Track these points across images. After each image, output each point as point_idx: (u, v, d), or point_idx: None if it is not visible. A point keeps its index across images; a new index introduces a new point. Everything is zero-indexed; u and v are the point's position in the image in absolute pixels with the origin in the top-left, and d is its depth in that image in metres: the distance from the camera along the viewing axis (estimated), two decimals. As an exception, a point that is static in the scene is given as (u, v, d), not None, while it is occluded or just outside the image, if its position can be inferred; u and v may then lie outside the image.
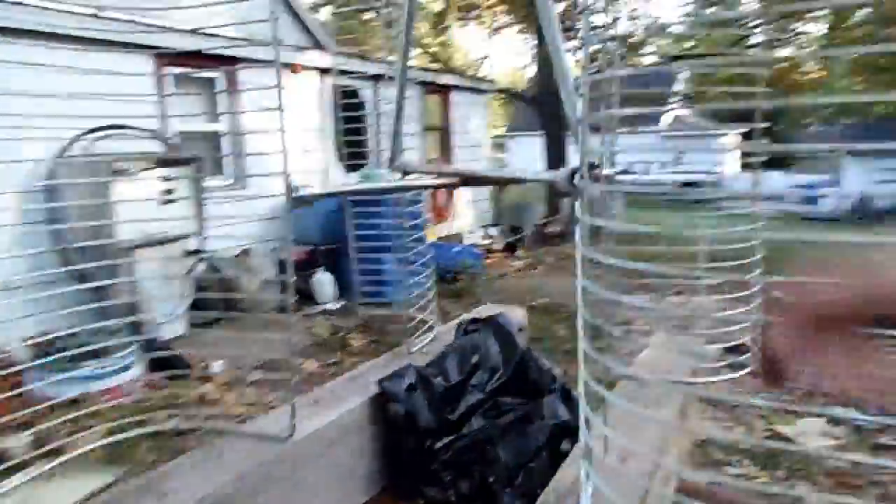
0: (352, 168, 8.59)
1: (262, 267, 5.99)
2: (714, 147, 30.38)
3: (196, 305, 5.26)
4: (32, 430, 2.43)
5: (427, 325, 2.69)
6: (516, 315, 3.37)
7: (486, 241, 9.23)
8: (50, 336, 2.66)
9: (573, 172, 1.20)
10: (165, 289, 4.96)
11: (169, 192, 5.08)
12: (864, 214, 13.02)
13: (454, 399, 2.42)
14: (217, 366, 4.49)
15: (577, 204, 1.13)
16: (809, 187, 14.07)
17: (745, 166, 30.41)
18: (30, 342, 3.47)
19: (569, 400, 2.45)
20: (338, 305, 6.22)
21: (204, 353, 4.58)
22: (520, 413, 2.35)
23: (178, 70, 6.17)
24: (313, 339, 5.29)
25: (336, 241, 6.74)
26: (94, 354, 3.43)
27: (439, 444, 2.33)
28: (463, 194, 9.46)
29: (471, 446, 2.31)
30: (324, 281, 6.26)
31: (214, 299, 5.43)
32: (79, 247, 3.51)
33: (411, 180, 2.42)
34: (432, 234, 7.68)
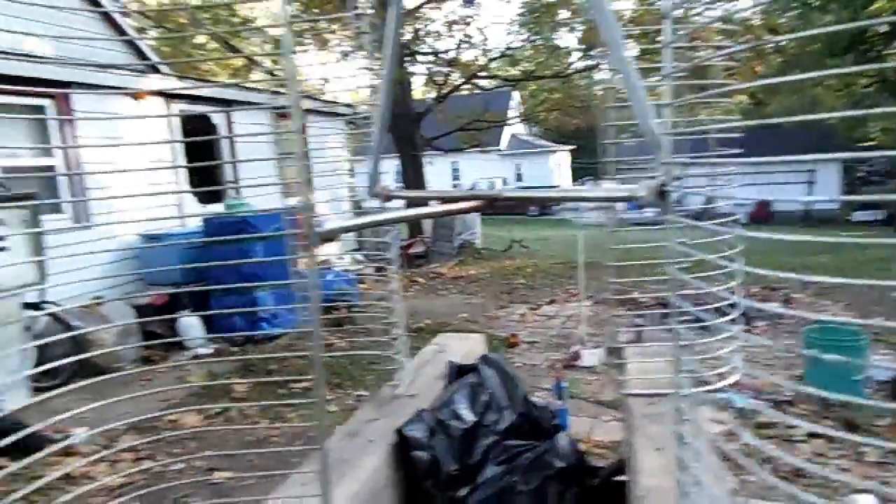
0: (209, 199, 7.98)
1: (116, 315, 5.32)
2: (548, 162, 32.73)
3: (42, 366, 4.52)
4: None
5: (395, 365, 2.48)
6: (478, 343, 3.29)
7: (357, 267, 9.04)
8: None
9: (662, 185, 1.20)
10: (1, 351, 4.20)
11: (-2, 238, 4.33)
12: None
13: (471, 443, 2.28)
14: (78, 435, 3.87)
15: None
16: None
17: (576, 179, 33.13)
18: None
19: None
20: (210, 349, 5.71)
21: (59, 422, 3.93)
22: (532, 457, 2.25)
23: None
24: (189, 389, 4.78)
25: (201, 280, 6.21)
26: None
27: (462, 493, 2.18)
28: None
29: (494, 496, 2.19)
30: (191, 324, 5.71)
31: (63, 356, 4.70)
32: None
33: (396, 208, 2.25)
34: (301, 262, 7.35)
